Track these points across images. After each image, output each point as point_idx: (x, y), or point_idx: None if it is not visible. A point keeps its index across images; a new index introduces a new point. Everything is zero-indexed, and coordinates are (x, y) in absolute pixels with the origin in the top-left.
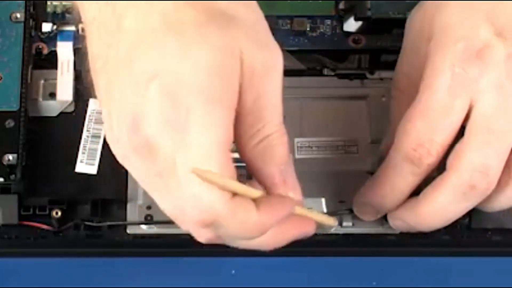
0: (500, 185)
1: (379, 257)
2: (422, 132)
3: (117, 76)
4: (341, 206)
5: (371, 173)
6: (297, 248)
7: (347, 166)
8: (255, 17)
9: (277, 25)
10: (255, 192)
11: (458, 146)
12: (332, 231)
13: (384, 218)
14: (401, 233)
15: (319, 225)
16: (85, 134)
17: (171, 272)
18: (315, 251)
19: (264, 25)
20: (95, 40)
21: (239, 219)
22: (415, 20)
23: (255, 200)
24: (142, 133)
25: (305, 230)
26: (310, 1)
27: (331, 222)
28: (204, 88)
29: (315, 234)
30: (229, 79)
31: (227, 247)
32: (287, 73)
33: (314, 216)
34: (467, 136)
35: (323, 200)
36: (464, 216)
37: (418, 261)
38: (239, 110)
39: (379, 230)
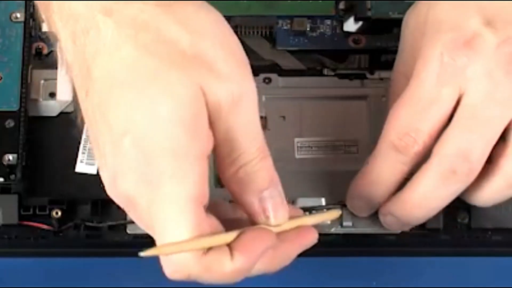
0: (486, 176)
1: (379, 257)
2: (408, 121)
3: (96, 124)
4: (341, 206)
5: None
6: None
7: (347, 166)
8: (220, 45)
9: (277, 25)
10: (229, 236)
11: (443, 132)
12: (332, 231)
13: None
14: (401, 233)
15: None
16: (85, 134)
17: None
18: (315, 251)
19: (232, 54)
20: (75, 79)
21: (214, 273)
22: (410, 20)
23: (230, 244)
24: (121, 189)
25: (306, 241)
26: (310, 1)
27: (335, 215)
28: (171, 143)
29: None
30: (196, 127)
31: None
32: (287, 73)
33: (316, 219)
34: (452, 122)
35: (323, 200)
36: (464, 216)
37: (418, 261)
38: (215, 142)
39: (379, 230)
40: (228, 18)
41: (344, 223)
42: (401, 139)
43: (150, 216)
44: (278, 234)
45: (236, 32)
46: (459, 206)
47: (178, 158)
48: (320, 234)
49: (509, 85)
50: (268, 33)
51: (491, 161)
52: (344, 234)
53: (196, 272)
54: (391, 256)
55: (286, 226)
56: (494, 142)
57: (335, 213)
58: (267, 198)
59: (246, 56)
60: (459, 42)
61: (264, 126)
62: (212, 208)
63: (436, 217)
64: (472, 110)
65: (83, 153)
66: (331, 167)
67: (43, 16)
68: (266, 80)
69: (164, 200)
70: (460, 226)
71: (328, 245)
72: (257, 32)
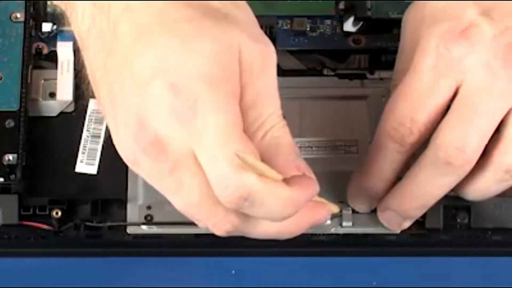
0: (479, 169)
1: (379, 257)
2: (404, 112)
3: (117, 81)
4: (341, 206)
5: None
6: (297, 248)
7: (347, 166)
8: (247, 15)
9: (277, 25)
10: (279, 175)
11: (440, 123)
12: (332, 231)
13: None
14: (401, 233)
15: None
16: (85, 134)
17: (171, 272)
18: (315, 251)
19: (255, 23)
20: (93, 52)
21: (273, 193)
22: (409, 18)
23: (285, 181)
24: (150, 131)
25: (320, 216)
26: (310, 1)
27: (334, 209)
28: (207, 76)
29: (315, 234)
30: (229, 67)
31: (227, 247)
32: (287, 73)
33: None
34: (449, 113)
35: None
36: (464, 216)
37: (418, 261)
38: (241, 104)
39: (379, 230)
40: None
41: (344, 223)
42: (396, 129)
43: (187, 156)
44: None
45: None
46: (459, 206)
47: (215, 90)
48: (320, 234)
49: (507, 77)
50: (268, 33)
51: (484, 154)
52: (344, 234)
53: (257, 190)
54: (391, 256)
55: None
56: (490, 134)
57: (334, 208)
58: (296, 160)
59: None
60: (455, 32)
61: None
62: None
63: (436, 216)
64: (469, 102)
65: (83, 153)
66: (331, 167)
67: None
68: None
69: (206, 131)
70: (460, 226)
71: (328, 245)
72: None
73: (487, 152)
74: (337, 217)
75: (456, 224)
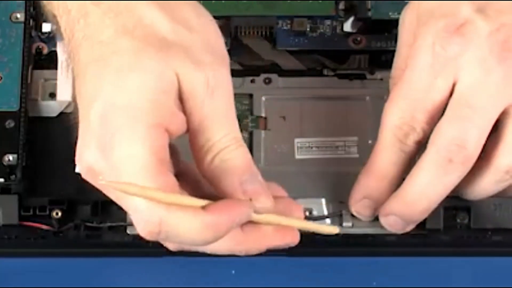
0: (478, 169)
1: (379, 257)
2: (405, 110)
3: (78, 102)
4: (341, 206)
5: None
6: (297, 249)
7: (347, 166)
8: (201, 38)
9: (277, 25)
10: (201, 201)
11: (439, 122)
12: None
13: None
14: (401, 233)
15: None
16: None
17: (171, 272)
18: (315, 251)
19: (214, 42)
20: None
21: (186, 222)
22: (406, 18)
23: (204, 207)
24: (84, 160)
25: (282, 240)
26: (310, 1)
27: (331, 230)
28: (131, 108)
29: (315, 234)
30: (160, 99)
31: None
32: (287, 73)
33: (309, 226)
34: (447, 111)
35: (323, 200)
36: (464, 216)
37: (418, 261)
38: (190, 129)
39: (379, 230)
40: (228, 18)
41: (344, 224)
42: (400, 127)
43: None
44: (256, 224)
45: (236, 32)
46: (459, 207)
47: (137, 122)
48: (320, 235)
49: (502, 73)
50: (268, 33)
51: (483, 154)
52: (344, 235)
53: (167, 221)
54: (391, 256)
55: (272, 219)
56: (488, 130)
57: (332, 229)
58: (247, 183)
59: (225, 51)
60: (450, 29)
61: (264, 126)
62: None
63: (436, 217)
64: (466, 99)
65: None
66: (332, 168)
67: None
68: (266, 80)
69: (119, 163)
70: (460, 226)
71: (328, 245)
72: (257, 32)
73: (487, 152)
74: (337, 218)
75: (456, 225)
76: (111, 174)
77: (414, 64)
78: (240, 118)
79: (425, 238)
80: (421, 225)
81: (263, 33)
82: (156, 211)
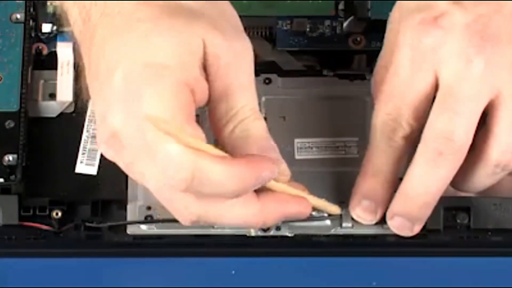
0: (469, 163)
1: (379, 258)
2: (390, 107)
3: (92, 80)
4: (341, 206)
5: None
6: (297, 248)
7: (347, 166)
8: (222, 11)
9: (277, 25)
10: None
11: (429, 117)
12: (332, 232)
13: (383, 219)
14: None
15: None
16: (85, 134)
17: (171, 272)
18: (315, 251)
19: (231, 17)
20: (82, 52)
21: (217, 168)
22: (391, 18)
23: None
24: (107, 126)
25: (293, 209)
26: (310, 1)
27: (334, 210)
28: (156, 66)
29: (316, 235)
30: (185, 60)
31: (227, 247)
32: (287, 73)
33: (316, 202)
34: (433, 105)
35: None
36: (464, 216)
37: (418, 261)
38: (212, 98)
39: (379, 231)
40: None
41: (344, 224)
42: (386, 123)
43: (139, 142)
44: (274, 194)
45: None
46: (459, 207)
47: (163, 78)
48: (320, 235)
49: (483, 63)
50: (268, 33)
51: (474, 148)
52: (344, 235)
53: (201, 166)
54: (391, 257)
55: (286, 189)
56: (476, 120)
57: (335, 209)
58: (269, 151)
59: (242, 27)
60: (427, 21)
61: None
62: None
63: (436, 217)
64: (449, 90)
65: (83, 153)
66: (331, 168)
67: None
68: (266, 81)
69: (150, 118)
70: (460, 226)
71: (328, 245)
72: (257, 32)
73: (477, 146)
74: (337, 218)
75: (456, 225)
76: (136, 136)
77: (396, 60)
78: None
79: (425, 238)
80: None
81: (263, 33)
82: (190, 156)
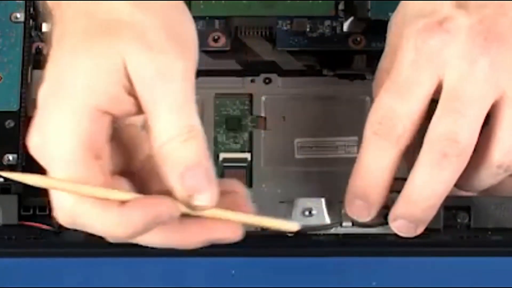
0: (472, 163)
1: (379, 257)
2: (387, 105)
3: None
4: (341, 206)
5: None
6: (297, 248)
7: (347, 166)
8: (158, 20)
9: (277, 25)
10: (122, 195)
11: (432, 119)
12: (332, 231)
13: (384, 218)
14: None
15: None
16: None
17: (171, 272)
18: (315, 251)
19: (167, 30)
20: None
21: (97, 216)
22: (393, 21)
23: (125, 201)
24: (29, 141)
25: (220, 234)
26: (310, 1)
27: (290, 227)
28: (68, 90)
29: (315, 234)
30: (100, 82)
31: (227, 247)
32: (287, 73)
33: (261, 221)
34: (438, 107)
35: (323, 200)
36: (464, 216)
37: (418, 261)
38: (144, 113)
39: (379, 230)
40: (228, 18)
41: (344, 223)
42: (381, 123)
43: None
44: (199, 217)
45: (236, 32)
46: (459, 206)
47: (69, 105)
48: (320, 234)
49: (488, 64)
50: (268, 33)
51: (476, 149)
52: (344, 234)
53: (80, 213)
54: (391, 256)
55: (219, 214)
56: (480, 122)
57: (292, 226)
58: (190, 178)
59: (192, 40)
60: (432, 26)
61: (264, 126)
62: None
63: (436, 217)
64: (454, 92)
65: None
66: (332, 168)
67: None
68: (266, 80)
69: (52, 144)
70: (460, 226)
71: (328, 245)
72: (257, 32)
73: (480, 146)
74: (337, 218)
75: (456, 224)
76: (45, 157)
77: (398, 63)
78: (240, 118)
79: (425, 238)
80: None
81: (263, 33)
82: (68, 201)
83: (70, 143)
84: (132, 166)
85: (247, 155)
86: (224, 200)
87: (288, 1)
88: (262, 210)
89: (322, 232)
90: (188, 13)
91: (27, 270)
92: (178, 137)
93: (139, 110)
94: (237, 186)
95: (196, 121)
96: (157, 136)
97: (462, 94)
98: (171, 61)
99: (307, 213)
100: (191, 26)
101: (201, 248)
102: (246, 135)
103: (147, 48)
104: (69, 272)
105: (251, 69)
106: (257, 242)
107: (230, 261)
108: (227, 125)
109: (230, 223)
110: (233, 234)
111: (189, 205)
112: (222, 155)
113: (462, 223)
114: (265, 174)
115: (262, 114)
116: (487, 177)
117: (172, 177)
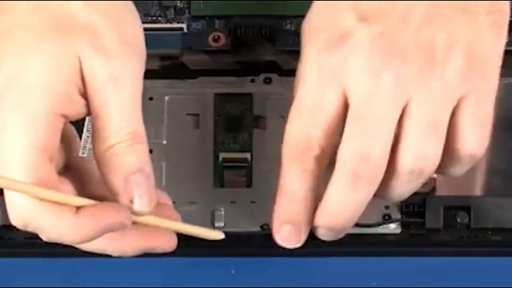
0: (386, 174)
1: (379, 257)
2: (299, 128)
3: None
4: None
5: None
6: (297, 248)
7: None
8: (112, 23)
9: (277, 25)
10: (77, 200)
11: (342, 137)
12: None
13: (384, 218)
14: (401, 233)
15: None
16: (85, 134)
17: (171, 272)
18: (315, 251)
19: (123, 34)
20: None
21: (52, 221)
22: (302, 29)
23: (80, 207)
24: None
25: (158, 243)
26: (310, 1)
27: (214, 236)
28: (23, 93)
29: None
30: (55, 85)
31: (227, 247)
32: (287, 73)
33: (189, 229)
34: (347, 126)
35: None
36: (464, 216)
37: (418, 261)
38: (91, 113)
39: (379, 230)
40: (228, 18)
41: None
42: (296, 146)
43: None
44: (137, 225)
45: (236, 32)
46: (459, 206)
47: (24, 110)
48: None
49: (391, 78)
50: (268, 33)
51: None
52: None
53: (34, 217)
54: (391, 256)
55: (151, 221)
56: (390, 138)
57: (216, 235)
58: (133, 182)
59: (142, 45)
60: (332, 41)
61: (264, 126)
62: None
63: (436, 217)
64: (360, 111)
65: (83, 153)
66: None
67: None
68: (266, 80)
69: (6, 149)
70: (460, 226)
71: (328, 245)
72: (257, 32)
73: (390, 156)
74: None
75: (456, 224)
76: (1, 159)
77: (302, 81)
78: (240, 118)
79: (425, 238)
80: (421, 224)
81: (263, 33)
82: (24, 204)
83: (25, 148)
84: (68, 165)
85: (247, 155)
86: (157, 211)
87: (288, 1)
88: (262, 210)
89: None
90: (137, 15)
91: (27, 270)
92: (124, 142)
93: (88, 112)
94: (165, 198)
95: (141, 126)
96: (103, 139)
97: (369, 112)
98: (124, 66)
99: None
100: (140, 29)
101: (201, 248)
102: (246, 135)
103: (102, 51)
104: (69, 272)
105: (251, 69)
106: (257, 242)
107: (230, 261)
108: (227, 125)
109: (166, 232)
110: (168, 243)
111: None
112: (222, 155)
113: (462, 223)
114: (265, 174)
115: (262, 114)
116: (402, 185)
117: (116, 181)
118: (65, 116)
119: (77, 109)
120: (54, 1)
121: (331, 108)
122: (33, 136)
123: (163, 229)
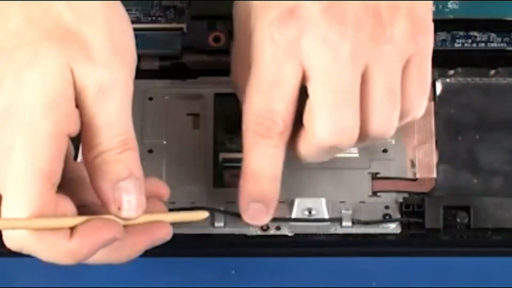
0: (299, 135)
1: (379, 257)
2: (261, 105)
3: None
4: (341, 206)
5: (375, 173)
6: (297, 248)
7: (347, 166)
8: (102, 34)
9: None
10: (73, 220)
11: (306, 108)
12: (332, 231)
13: (383, 218)
14: (401, 233)
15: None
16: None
17: (171, 272)
18: (315, 251)
19: (114, 43)
20: None
21: (48, 249)
22: (237, 14)
23: (73, 228)
24: None
25: (155, 236)
26: None
27: (199, 216)
28: (27, 115)
29: (315, 234)
30: (57, 103)
31: (227, 247)
32: None
33: (176, 217)
34: (312, 100)
35: (323, 200)
36: (464, 216)
37: (418, 261)
38: (82, 122)
39: (379, 230)
40: (228, 18)
41: (344, 223)
42: (261, 123)
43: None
44: (128, 226)
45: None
46: (459, 206)
47: (31, 132)
48: (320, 234)
49: (348, 47)
50: None
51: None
52: (343, 234)
53: (29, 245)
54: (391, 256)
55: (140, 220)
56: (358, 106)
57: (201, 215)
58: (121, 190)
59: (133, 52)
60: (284, 15)
61: None
62: (77, 186)
63: (436, 217)
64: (324, 83)
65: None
66: (331, 168)
67: None
68: None
69: (12, 172)
70: (460, 226)
71: (328, 245)
72: None
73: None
74: (337, 217)
75: (456, 224)
76: (3, 181)
77: (258, 59)
78: (240, 118)
79: (425, 238)
80: (421, 225)
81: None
82: (17, 233)
83: (28, 176)
84: (64, 172)
85: None
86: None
87: None
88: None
89: (322, 232)
90: (127, 18)
91: (27, 270)
92: (114, 150)
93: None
94: (161, 187)
95: (131, 132)
96: (92, 147)
97: (334, 85)
98: (115, 77)
99: (307, 213)
100: (130, 34)
101: (201, 248)
102: None
103: (90, 60)
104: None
105: None
106: (257, 242)
107: (230, 261)
108: (227, 125)
109: (160, 224)
110: (165, 233)
111: (118, 215)
112: (222, 155)
113: (462, 223)
114: None
115: None
116: (314, 148)
117: (105, 188)
118: (69, 134)
119: (76, 123)
120: (48, 14)
121: (292, 81)
122: (37, 160)
123: (155, 221)
